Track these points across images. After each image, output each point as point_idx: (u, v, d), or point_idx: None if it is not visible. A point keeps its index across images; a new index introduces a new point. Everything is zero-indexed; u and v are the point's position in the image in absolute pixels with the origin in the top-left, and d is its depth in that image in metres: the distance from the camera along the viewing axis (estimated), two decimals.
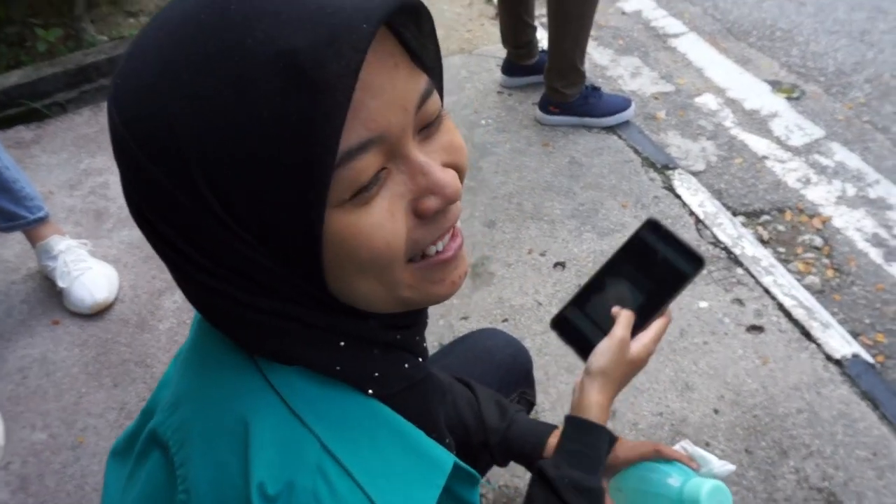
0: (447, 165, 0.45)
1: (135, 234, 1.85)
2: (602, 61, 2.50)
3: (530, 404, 1.01)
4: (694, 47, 2.55)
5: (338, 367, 0.45)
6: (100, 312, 1.68)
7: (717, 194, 1.96)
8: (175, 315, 1.68)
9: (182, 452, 0.45)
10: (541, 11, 2.32)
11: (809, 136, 2.14)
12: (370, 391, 0.47)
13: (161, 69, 0.38)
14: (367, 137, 0.39)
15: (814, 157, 2.07)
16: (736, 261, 1.75)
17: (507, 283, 1.73)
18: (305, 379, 0.45)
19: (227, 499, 0.42)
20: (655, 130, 2.19)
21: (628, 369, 0.77)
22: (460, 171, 0.46)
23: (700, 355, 1.55)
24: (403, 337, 0.50)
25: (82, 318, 1.68)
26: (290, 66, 0.36)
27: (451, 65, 2.47)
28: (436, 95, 0.44)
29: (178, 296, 1.72)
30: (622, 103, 2.15)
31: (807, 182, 1.99)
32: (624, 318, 0.77)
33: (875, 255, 1.78)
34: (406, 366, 0.50)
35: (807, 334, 1.58)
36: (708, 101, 2.30)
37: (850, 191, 1.96)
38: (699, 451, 0.82)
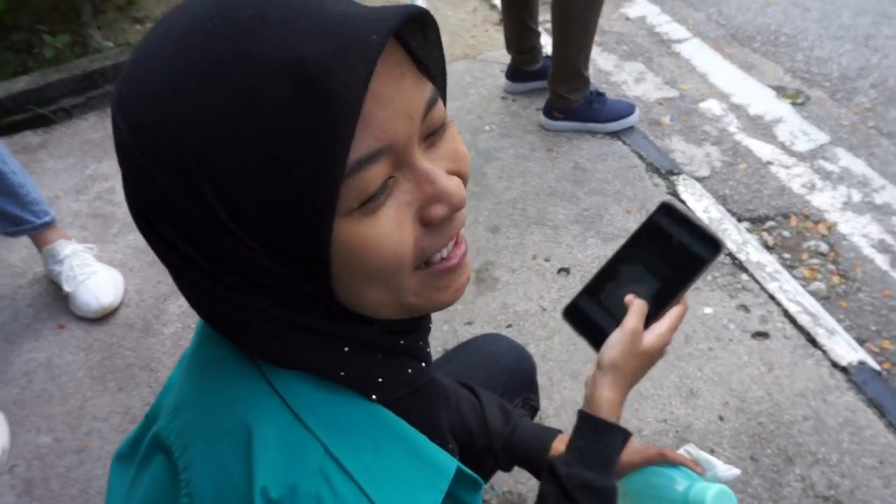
0: (451, 173, 0.45)
1: (140, 238, 1.85)
2: (606, 67, 2.51)
3: (534, 410, 1.01)
4: (698, 53, 2.55)
5: (342, 373, 0.46)
6: (105, 317, 1.69)
7: (722, 200, 1.96)
8: (180, 319, 1.69)
9: (185, 456, 0.45)
10: (545, 17, 2.32)
11: (814, 142, 2.14)
12: (374, 396, 0.47)
13: (167, 77, 0.38)
14: (376, 147, 0.39)
15: (819, 163, 2.06)
16: (741, 266, 1.74)
17: (512, 289, 1.73)
18: (309, 383, 0.45)
19: (231, 502, 0.42)
20: (660, 136, 2.19)
21: (642, 362, 0.74)
22: (464, 179, 0.46)
23: (705, 361, 1.55)
24: (407, 342, 0.50)
25: (88, 323, 1.69)
26: (299, 75, 0.36)
27: (455, 70, 2.48)
28: (440, 103, 0.44)
29: (182, 300, 1.72)
30: (626, 109, 2.15)
31: (812, 188, 1.99)
32: (636, 307, 0.73)
33: (881, 261, 1.77)
34: (409, 371, 0.51)
35: (812, 341, 1.57)
36: (712, 106, 2.30)
37: (856, 196, 1.95)
38: (704, 456, 0.82)
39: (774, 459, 1.37)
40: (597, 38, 2.07)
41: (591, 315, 0.78)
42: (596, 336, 0.76)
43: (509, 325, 1.65)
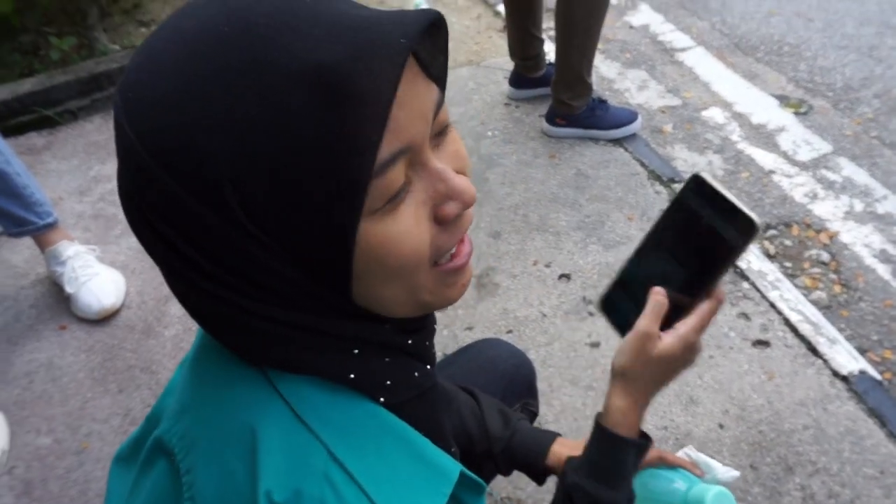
0: (456, 172, 0.46)
1: None
2: (609, 74, 2.51)
3: (533, 415, 1.01)
4: (701, 61, 2.55)
5: (351, 375, 0.46)
6: (106, 318, 1.69)
7: None
8: (181, 322, 1.69)
9: (188, 460, 0.45)
10: (548, 24, 2.33)
11: (817, 151, 2.14)
12: (381, 399, 0.47)
13: (181, 83, 0.37)
14: (398, 148, 0.40)
15: (821, 172, 2.07)
16: (742, 275, 1.74)
17: (512, 295, 1.73)
18: (313, 386, 0.45)
19: None
20: (662, 143, 2.20)
21: (658, 367, 0.66)
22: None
23: (705, 369, 1.54)
24: (415, 342, 0.51)
25: (89, 324, 1.69)
26: (326, 80, 0.36)
27: (459, 76, 2.48)
28: (445, 105, 0.45)
29: None
30: (629, 116, 2.16)
31: (814, 197, 1.99)
32: (652, 305, 0.64)
33: (883, 270, 1.77)
34: (416, 374, 0.51)
35: (813, 350, 1.57)
36: (715, 114, 2.31)
37: (858, 206, 1.95)
38: (703, 458, 0.82)
39: (774, 468, 1.37)
40: (600, 45, 2.08)
41: (622, 308, 0.68)
42: (627, 331, 0.68)
43: (510, 331, 1.65)
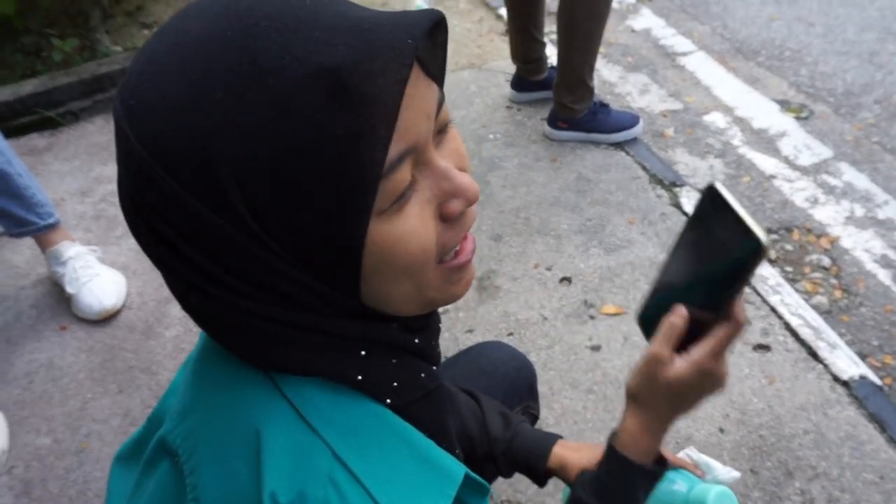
0: (458, 169, 0.46)
1: None
2: (611, 78, 2.52)
3: (534, 418, 1.01)
4: (702, 66, 2.56)
5: (359, 377, 0.46)
6: (107, 319, 1.69)
7: None
8: (182, 323, 1.69)
9: (192, 461, 0.45)
10: (550, 28, 2.33)
11: (818, 156, 2.14)
12: (387, 401, 0.47)
13: (185, 86, 0.37)
14: (404, 148, 0.40)
15: (822, 177, 2.07)
16: None
17: (513, 297, 1.73)
18: (318, 388, 0.45)
19: None
20: (663, 148, 2.20)
21: (670, 392, 0.62)
22: None
23: None
24: (421, 340, 0.51)
25: (89, 324, 1.69)
26: (333, 81, 0.36)
27: (461, 79, 2.49)
28: (445, 103, 0.45)
29: None
30: (630, 120, 2.16)
31: (815, 202, 1.99)
32: (665, 327, 0.61)
33: (884, 276, 1.77)
34: (422, 375, 0.51)
35: (814, 354, 1.57)
36: (716, 119, 2.31)
37: (859, 211, 1.95)
38: (704, 458, 0.81)
39: (774, 472, 1.37)
40: (602, 49, 2.09)
41: (655, 323, 0.64)
42: None
43: (510, 334, 1.65)
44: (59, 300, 1.74)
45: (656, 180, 2.05)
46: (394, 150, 0.39)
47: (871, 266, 1.79)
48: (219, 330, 0.45)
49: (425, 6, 2.38)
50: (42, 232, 1.68)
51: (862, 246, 1.85)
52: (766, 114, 2.31)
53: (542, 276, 1.78)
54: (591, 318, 1.67)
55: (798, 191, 2.02)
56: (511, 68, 2.36)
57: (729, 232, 0.55)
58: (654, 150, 2.18)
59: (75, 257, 1.70)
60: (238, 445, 0.43)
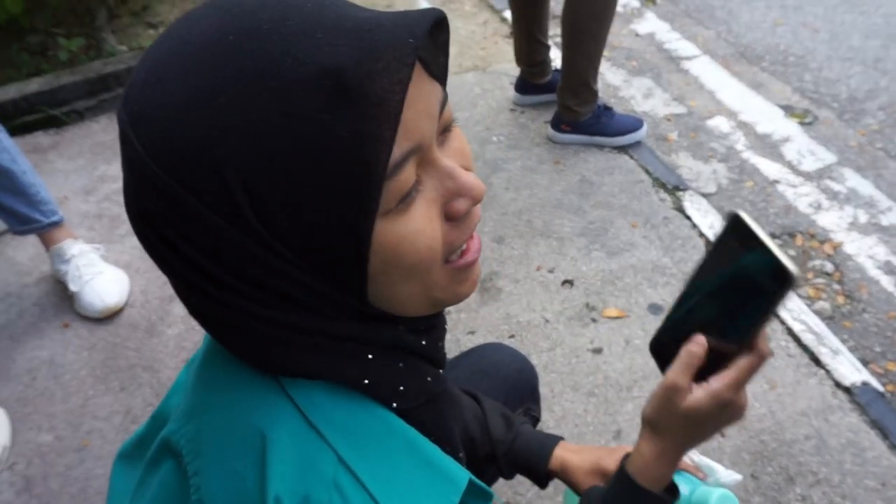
0: (462, 168, 0.46)
1: None
2: (615, 82, 2.52)
3: (535, 420, 1.01)
4: (707, 70, 2.56)
5: (366, 381, 0.46)
6: (109, 317, 1.70)
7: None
8: (184, 321, 1.69)
9: (196, 462, 0.45)
10: (555, 31, 2.34)
11: (822, 162, 2.14)
12: (394, 405, 0.47)
13: (192, 93, 0.37)
14: (408, 148, 0.40)
15: (826, 183, 2.06)
16: None
17: (515, 299, 1.73)
18: (325, 392, 0.45)
19: None
20: (667, 151, 2.20)
21: (687, 422, 0.60)
22: None
23: None
24: (427, 342, 0.51)
25: (92, 322, 1.70)
26: (337, 83, 0.36)
27: (465, 82, 2.49)
28: (448, 102, 0.45)
29: None
30: (634, 123, 2.16)
31: (818, 207, 1.99)
32: (683, 355, 0.59)
33: (887, 282, 1.76)
34: (429, 379, 0.51)
35: (816, 360, 1.56)
36: (720, 123, 2.31)
37: (862, 217, 1.95)
38: (705, 461, 0.81)
39: (775, 478, 1.36)
40: (606, 53, 2.09)
41: (670, 352, 0.62)
42: None
43: (512, 336, 1.65)
44: (62, 298, 1.74)
45: (659, 184, 2.05)
46: (398, 150, 0.39)
47: (874, 272, 1.79)
48: (227, 335, 0.45)
49: (426, 5, 2.38)
50: (46, 230, 1.68)
51: (865, 252, 1.84)
52: (769, 119, 2.31)
53: (544, 279, 1.78)
54: (593, 321, 1.67)
55: (801, 196, 2.02)
56: (515, 71, 2.36)
57: (755, 263, 0.54)
58: (657, 153, 2.18)
59: (79, 255, 1.70)
60: (243, 448, 0.43)
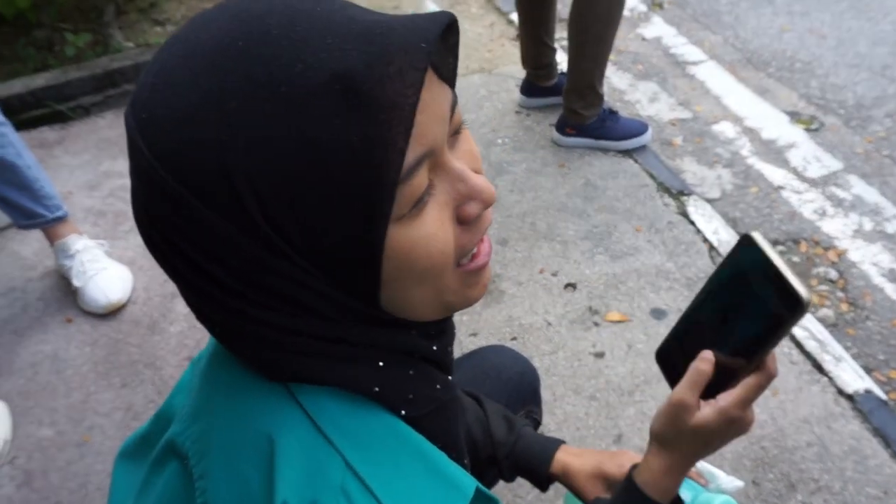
0: (473, 171, 0.46)
1: None
2: (620, 86, 2.52)
3: (537, 423, 1.00)
4: (713, 75, 2.56)
5: (376, 388, 0.45)
6: (112, 313, 1.70)
7: (732, 223, 1.96)
8: (186, 319, 1.70)
9: (202, 465, 0.45)
10: (561, 34, 2.34)
11: (827, 168, 2.13)
12: (402, 412, 0.47)
13: (201, 99, 0.37)
14: (422, 152, 0.40)
15: (831, 190, 2.06)
16: None
17: (518, 302, 1.73)
18: (335, 398, 0.45)
19: None
20: (671, 156, 2.20)
21: (694, 438, 0.61)
22: None
23: None
24: (438, 347, 0.51)
25: (95, 318, 1.70)
26: (347, 87, 0.36)
27: (471, 84, 2.49)
28: (458, 105, 0.45)
29: None
30: (639, 128, 2.16)
31: (823, 214, 1.98)
32: (691, 372, 0.60)
33: (891, 290, 1.76)
34: (438, 387, 0.51)
35: (819, 367, 1.56)
36: (725, 129, 2.31)
37: (867, 225, 1.94)
38: (707, 467, 0.81)
39: (776, 485, 1.36)
40: (612, 56, 2.08)
41: (676, 363, 0.63)
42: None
43: (514, 338, 1.64)
44: (65, 293, 1.75)
45: (664, 188, 2.05)
46: (411, 154, 0.39)
47: (878, 280, 1.78)
48: (236, 341, 0.45)
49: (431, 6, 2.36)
50: (50, 225, 1.69)
51: (870, 259, 1.84)
52: (775, 125, 2.31)
53: (547, 282, 1.78)
54: (596, 324, 1.67)
55: (806, 203, 2.02)
56: (521, 73, 2.36)
57: (766, 285, 0.54)
58: (662, 158, 2.17)
59: (83, 251, 1.71)
60: (250, 452, 0.43)
